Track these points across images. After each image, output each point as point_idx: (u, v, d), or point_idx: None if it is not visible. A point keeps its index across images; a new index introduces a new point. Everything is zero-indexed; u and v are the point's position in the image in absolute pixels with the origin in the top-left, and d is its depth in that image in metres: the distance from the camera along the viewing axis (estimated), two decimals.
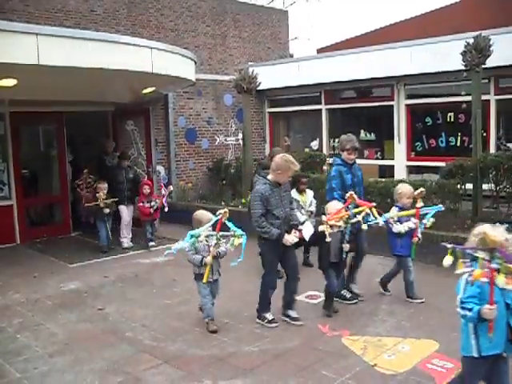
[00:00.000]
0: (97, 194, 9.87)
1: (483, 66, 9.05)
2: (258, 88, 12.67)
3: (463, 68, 9.20)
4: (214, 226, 5.95)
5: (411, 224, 6.55)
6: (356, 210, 6.32)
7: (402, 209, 6.73)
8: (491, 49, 8.95)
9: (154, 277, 8.41)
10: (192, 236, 5.79)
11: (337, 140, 14.40)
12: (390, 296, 6.83)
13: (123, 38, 9.34)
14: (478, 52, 8.92)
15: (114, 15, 13.26)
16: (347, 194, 6.37)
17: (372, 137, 13.83)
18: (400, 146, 12.97)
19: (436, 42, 11.68)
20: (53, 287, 7.98)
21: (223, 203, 12.40)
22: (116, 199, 10.09)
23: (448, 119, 12.15)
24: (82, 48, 7.79)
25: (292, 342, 5.59)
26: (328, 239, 5.97)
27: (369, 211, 6.35)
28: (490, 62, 9.14)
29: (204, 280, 5.93)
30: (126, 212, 10.42)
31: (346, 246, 6.27)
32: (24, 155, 11.54)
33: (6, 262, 9.48)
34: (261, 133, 16.02)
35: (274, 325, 6.02)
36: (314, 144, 15.03)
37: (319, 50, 20.90)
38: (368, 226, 6.40)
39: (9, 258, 9.83)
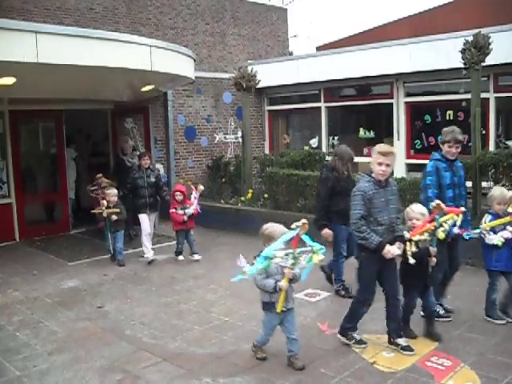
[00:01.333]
0: (100, 201, 9.06)
1: (482, 64, 9.04)
2: (258, 86, 12.67)
3: (462, 66, 9.19)
4: (288, 242, 4.88)
5: (508, 233, 5.73)
6: (443, 219, 5.44)
7: (497, 216, 5.87)
8: (490, 47, 8.94)
9: (153, 275, 8.42)
10: (266, 258, 4.75)
11: (336, 137, 14.44)
12: None
13: (122, 35, 9.35)
14: (477, 50, 8.91)
15: (113, 13, 13.23)
16: (432, 204, 5.44)
17: (371, 134, 13.81)
18: (399, 144, 12.96)
19: (435, 40, 11.67)
20: (52, 285, 7.99)
21: (222, 201, 12.41)
22: (117, 210, 8.98)
23: (447, 117, 12.14)
24: (81, 46, 7.79)
25: None
26: (411, 261, 5.19)
27: (456, 218, 5.54)
28: (490, 60, 9.12)
29: (278, 309, 4.91)
30: (146, 221, 9.43)
31: (433, 261, 5.43)
32: (23, 153, 11.54)
33: (6, 260, 9.49)
34: (260, 130, 16.01)
35: (363, 346, 5.36)
36: (314, 142, 15.02)
37: (319, 48, 20.90)
38: (469, 238, 5.82)
39: (8, 256, 9.83)
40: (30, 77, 8.61)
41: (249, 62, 15.41)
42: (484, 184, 9.41)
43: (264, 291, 4.96)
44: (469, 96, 9.72)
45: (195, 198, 9.33)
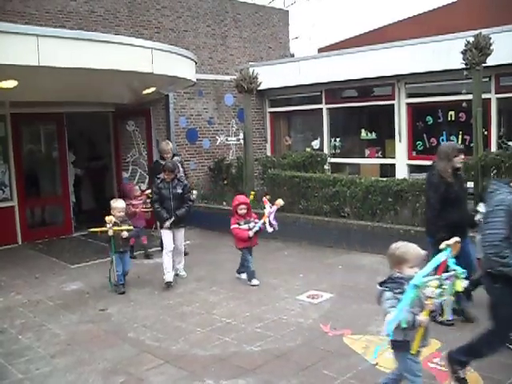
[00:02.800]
0: (106, 218, 7.58)
1: (484, 65, 9.04)
2: (259, 88, 12.66)
3: (464, 67, 9.18)
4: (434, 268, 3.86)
5: None
6: None
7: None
8: (492, 47, 8.94)
9: (155, 278, 8.41)
10: (416, 287, 3.64)
11: (338, 139, 14.44)
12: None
13: (123, 38, 9.37)
14: (478, 50, 8.91)
15: (115, 16, 13.26)
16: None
17: (373, 136, 13.81)
18: (401, 145, 12.95)
19: (437, 41, 11.66)
20: (55, 288, 8.00)
21: (225, 203, 12.41)
22: (129, 228, 7.81)
23: (449, 118, 12.13)
24: (83, 49, 7.81)
25: (294, 342, 5.59)
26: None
27: None
28: (491, 61, 9.12)
29: (413, 350, 3.85)
30: (168, 236, 8.07)
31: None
32: (25, 156, 11.56)
33: (8, 263, 9.50)
34: (262, 132, 16.00)
35: None
36: (315, 143, 15.01)
37: (320, 50, 20.88)
38: None
39: (10, 259, 9.85)
40: (31, 80, 8.63)
41: (250, 63, 15.42)
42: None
43: (397, 327, 3.72)
44: (470, 97, 9.71)
45: (270, 212, 8.00)
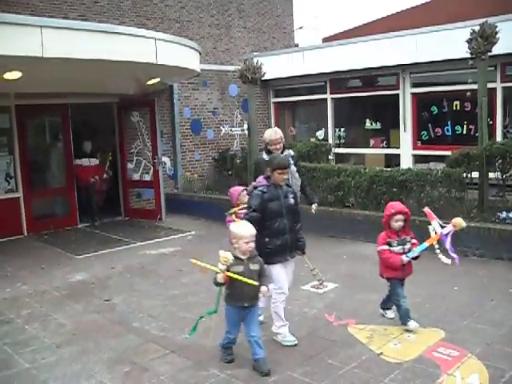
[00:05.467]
0: (220, 253, 4.76)
1: (489, 54, 8.98)
2: (263, 78, 12.62)
3: (469, 56, 9.13)
4: None
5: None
6: None
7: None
8: (497, 36, 8.87)
9: (160, 268, 8.45)
10: None
11: (342, 129, 14.41)
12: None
13: (127, 29, 9.36)
14: (483, 39, 8.84)
15: (119, 6, 13.24)
16: None
17: (378, 126, 13.79)
18: (406, 135, 12.93)
19: (441, 30, 11.62)
20: (60, 278, 8.04)
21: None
22: (254, 283, 4.70)
23: (454, 107, 12.10)
24: (87, 40, 7.81)
25: (298, 332, 5.60)
26: None
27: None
28: (496, 50, 9.05)
29: None
30: (282, 275, 5.38)
31: None
32: (30, 148, 11.59)
33: (14, 254, 9.55)
34: (266, 123, 15.98)
35: None
36: (320, 133, 15.00)
37: (325, 39, 20.80)
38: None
39: (16, 250, 9.89)
40: (35, 71, 8.63)
41: (254, 54, 15.39)
42: (491, 175, 9.38)
43: None
44: (475, 86, 9.67)
45: (443, 235, 5.36)
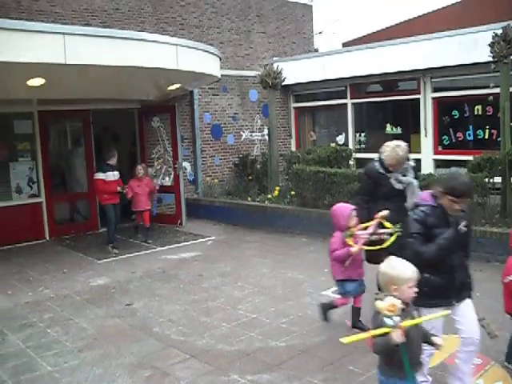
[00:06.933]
0: (389, 300, 3.29)
1: None
2: (283, 83, 12.66)
3: (491, 60, 9.05)
4: None
5: None
6: None
7: None
8: None
9: (181, 272, 8.47)
10: None
11: (363, 134, 14.35)
12: None
13: (148, 35, 9.43)
14: (506, 43, 8.75)
15: (139, 13, 13.35)
16: None
17: (398, 130, 13.69)
18: (427, 140, 12.83)
19: (463, 34, 11.52)
20: (81, 283, 8.10)
21: (249, 198, 12.43)
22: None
23: (476, 112, 11.98)
24: (108, 46, 7.89)
25: (319, 337, 5.59)
26: None
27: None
28: None
29: None
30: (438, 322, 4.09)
31: None
32: (52, 153, 11.73)
33: (37, 259, 9.66)
34: (286, 128, 15.99)
35: None
36: (340, 138, 14.95)
37: (344, 44, 20.78)
38: None
39: (39, 255, 10.00)
40: (58, 78, 8.74)
41: (274, 59, 15.42)
42: None
43: None
44: (497, 90, 9.57)
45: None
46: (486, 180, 9.32)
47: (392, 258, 3.57)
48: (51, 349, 5.64)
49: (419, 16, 18.92)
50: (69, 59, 7.36)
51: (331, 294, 6.96)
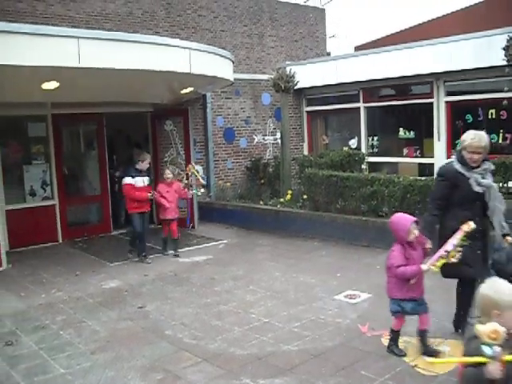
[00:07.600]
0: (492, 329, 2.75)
1: None
2: (296, 87, 12.66)
3: (505, 63, 9.00)
4: None
5: None
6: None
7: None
8: None
9: (193, 276, 8.48)
10: None
11: (375, 138, 14.31)
12: (431, 296, 6.73)
13: (161, 39, 9.47)
14: None
15: (152, 17, 13.42)
16: None
17: (411, 135, 13.65)
18: (440, 144, 12.78)
19: (477, 38, 11.46)
20: (94, 285, 8.13)
21: (261, 202, 12.42)
22: None
23: (489, 116, 11.91)
24: (122, 50, 7.92)
25: (331, 342, 5.56)
26: None
27: None
28: None
29: None
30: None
31: None
32: (65, 156, 11.80)
33: (49, 261, 9.71)
34: (299, 131, 15.99)
35: None
36: (353, 142, 14.93)
37: (357, 48, 20.75)
38: None
39: (52, 257, 10.05)
40: (72, 81, 8.78)
41: (287, 62, 15.43)
42: None
43: None
44: (511, 94, 9.52)
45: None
46: (500, 184, 9.27)
47: (496, 278, 3.06)
48: (64, 351, 5.66)
49: (431, 20, 18.85)
50: (83, 62, 7.41)
51: (343, 298, 6.94)
